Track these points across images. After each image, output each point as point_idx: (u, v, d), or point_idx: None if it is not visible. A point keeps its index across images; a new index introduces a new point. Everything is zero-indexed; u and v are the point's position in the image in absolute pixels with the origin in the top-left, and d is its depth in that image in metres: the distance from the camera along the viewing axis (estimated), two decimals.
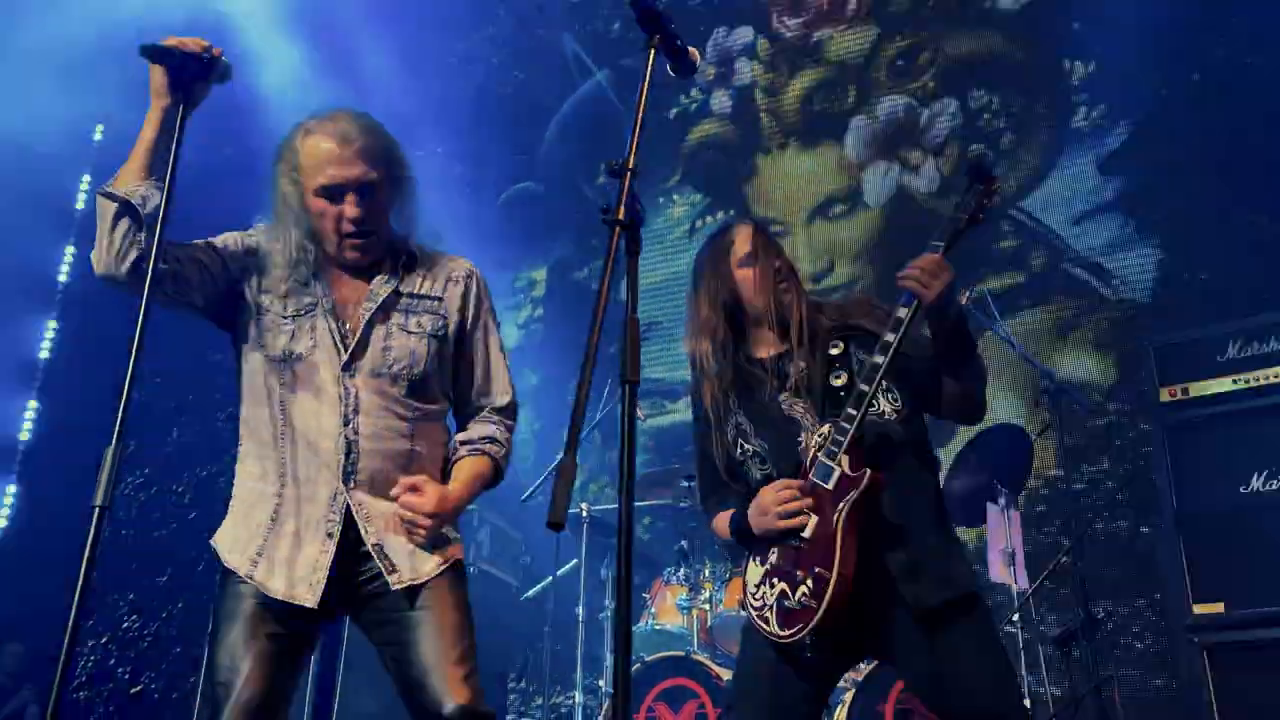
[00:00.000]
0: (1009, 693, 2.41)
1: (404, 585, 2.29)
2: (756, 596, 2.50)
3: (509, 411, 2.57)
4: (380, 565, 2.30)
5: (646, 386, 6.54)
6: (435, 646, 2.24)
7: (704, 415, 2.69)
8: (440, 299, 2.49)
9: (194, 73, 2.20)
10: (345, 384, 2.35)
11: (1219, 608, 3.58)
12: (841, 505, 2.38)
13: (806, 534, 2.41)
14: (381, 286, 2.44)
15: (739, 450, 2.60)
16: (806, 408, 2.55)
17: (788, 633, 2.39)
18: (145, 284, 2.08)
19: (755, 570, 2.54)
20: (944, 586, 2.41)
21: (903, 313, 2.43)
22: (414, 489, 2.33)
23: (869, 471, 2.39)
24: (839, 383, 2.54)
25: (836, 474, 2.40)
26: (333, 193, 2.34)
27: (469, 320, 2.52)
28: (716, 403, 2.64)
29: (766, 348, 2.64)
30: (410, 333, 2.42)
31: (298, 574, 2.27)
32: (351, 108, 2.45)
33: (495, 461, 2.49)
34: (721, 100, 7.15)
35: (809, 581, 2.37)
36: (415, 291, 2.48)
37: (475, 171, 7.34)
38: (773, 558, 2.49)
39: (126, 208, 2.21)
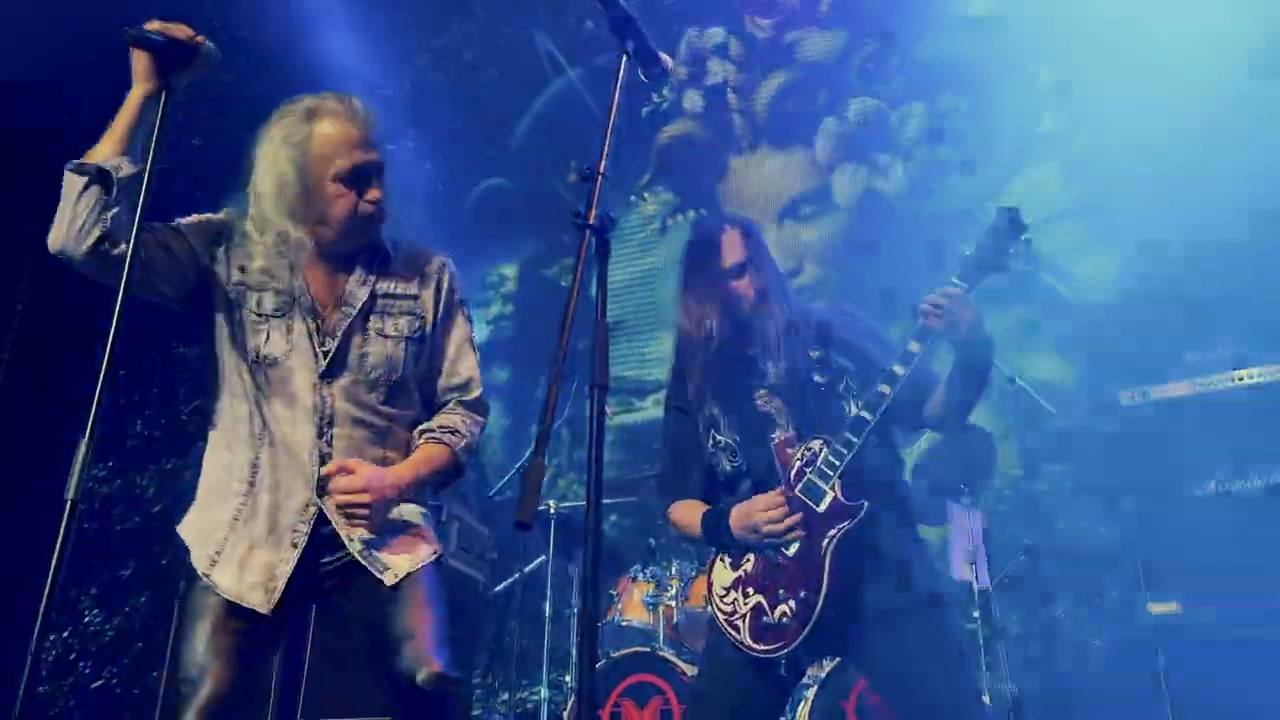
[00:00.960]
0: (964, 689, 2.46)
1: (399, 578, 2.29)
2: (726, 601, 2.51)
3: (476, 405, 2.53)
4: (371, 568, 2.29)
5: (615, 384, 6.56)
6: (413, 618, 2.25)
7: (680, 404, 2.71)
8: (416, 297, 2.47)
9: (178, 59, 2.14)
10: (321, 393, 2.32)
11: (1174, 606, 3.66)
12: (833, 533, 2.40)
13: (790, 552, 2.43)
14: (359, 288, 2.41)
15: (710, 442, 2.62)
16: (779, 407, 2.58)
17: (762, 647, 2.41)
18: (104, 265, 2.03)
19: (725, 573, 2.55)
20: (905, 588, 2.46)
21: (915, 346, 2.45)
22: (344, 470, 2.29)
23: (865, 505, 2.41)
24: (819, 379, 2.56)
25: (830, 499, 2.42)
26: (358, 178, 2.31)
27: (440, 314, 2.50)
28: (695, 394, 2.66)
29: (747, 346, 2.67)
30: (388, 338, 2.40)
31: (252, 578, 2.26)
32: (337, 91, 2.41)
33: (453, 451, 2.42)
34: (693, 100, 7.17)
35: (792, 603, 2.39)
36: (391, 291, 2.45)
37: (446, 167, 7.32)
38: (747, 566, 2.51)
39: (97, 177, 2.14)
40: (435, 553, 2.40)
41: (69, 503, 1.71)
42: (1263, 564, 3.46)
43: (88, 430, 1.75)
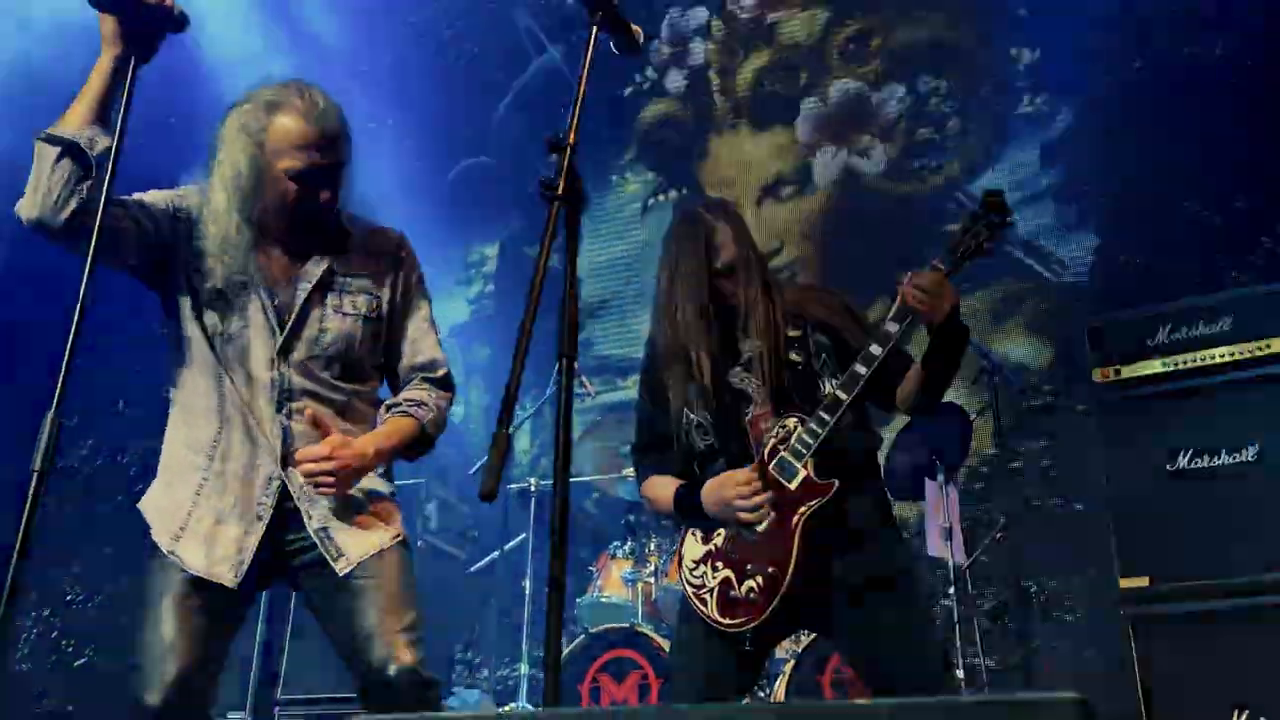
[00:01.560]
0: (931, 658, 2.48)
1: (351, 567, 2.27)
2: (695, 574, 2.53)
3: (441, 381, 2.52)
4: (324, 552, 2.27)
5: (599, 362, 6.59)
6: (379, 611, 2.23)
7: (654, 381, 2.71)
8: (374, 276, 2.45)
9: (146, 22, 2.08)
10: (279, 368, 2.32)
11: (1145, 581, 3.70)
12: (803, 510, 2.42)
13: (761, 529, 2.45)
14: (315, 266, 2.39)
15: (684, 418, 2.63)
16: (756, 385, 2.59)
17: (728, 621, 2.43)
18: (81, 236, 1.98)
19: (695, 546, 2.58)
20: (874, 564, 2.48)
21: (893, 327, 2.45)
22: (314, 423, 2.27)
23: (837, 484, 2.43)
24: (796, 358, 2.58)
25: (801, 476, 2.43)
26: (310, 177, 2.29)
27: (398, 294, 2.48)
28: (670, 372, 2.65)
29: (725, 325, 2.65)
30: (345, 314, 2.39)
31: (219, 552, 2.25)
32: (304, 81, 2.36)
33: (420, 423, 2.42)
34: (675, 80, 7.17)
35: (759, 578, 2.41)
36: (349, 269, 2.43)
37: (427, 145, 7.29)
38: (718, 540, 2.52)
39: (70, 150, 2.11)
40: (396, 537, 2.37)
41: (35, 473, 1.71)
42: (1235, 540, 3.50)
43: (54, 401, 1.75)
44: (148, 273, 2.37)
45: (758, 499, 2.43)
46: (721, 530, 2.53)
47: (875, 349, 2.46)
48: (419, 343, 2.51)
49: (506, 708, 4.77)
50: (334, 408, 2.37)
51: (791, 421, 2.49)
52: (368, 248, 2.48)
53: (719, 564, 2.50)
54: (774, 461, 2.48)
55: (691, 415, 2.63)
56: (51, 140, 2.13)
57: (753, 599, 2.41)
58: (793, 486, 2.44)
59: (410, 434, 2.41)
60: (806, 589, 2.41)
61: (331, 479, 2.24)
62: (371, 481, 2.41)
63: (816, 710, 1.11)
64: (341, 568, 2.27)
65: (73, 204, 2.12)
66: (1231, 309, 3.69)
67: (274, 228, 2.37)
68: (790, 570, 2.38)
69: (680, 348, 2.63)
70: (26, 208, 2.15)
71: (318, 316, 2.37)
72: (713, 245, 2.64)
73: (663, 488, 2.68)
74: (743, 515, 2.45)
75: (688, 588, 2.55)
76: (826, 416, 2.44)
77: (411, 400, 2.44)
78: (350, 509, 2.34)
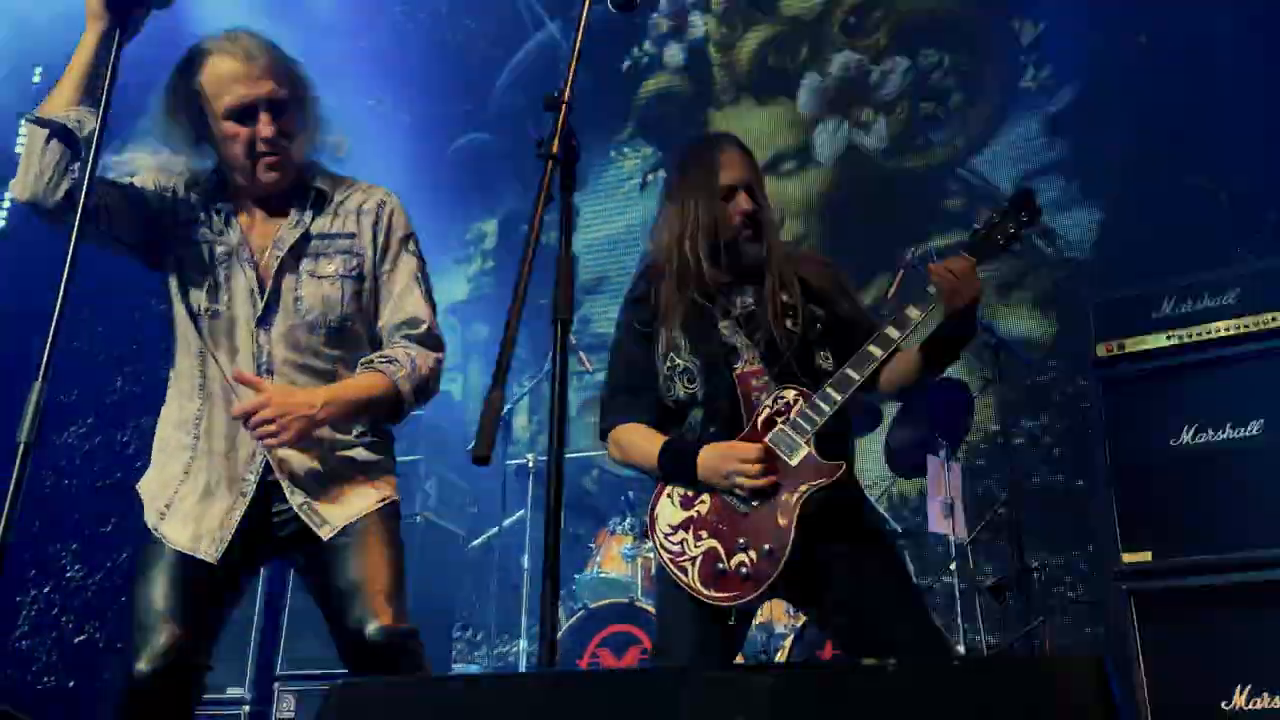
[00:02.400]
0: (924, 618, 2.41)
1: (335, 532, 2.25)
2: (673, 540, 2.43)
3: (425, 339, 2.41)
4: (309, 522, 2.25)
5: (596, 340, 6.55)
6: (358, 571, 2.21)
7: (641, 323, 2.60)
8: (353, 235, 2.40)
9: None
10: (259, 339, 2.29)
11: (1147, 556, 3.68)
12: (804, 488, 2.35)
13: (755, 504, 2.38)
14: (289, 231, 2.36)
15: (667, 363, 2.53)
16: (745, 341, 2.51)
17: (713, 594, 2.35)
18: (75, 214, 2.00)
19: (673, 510, 2.47)
20: (857, 531, 2.44)
21: (914, 313, 2.40)
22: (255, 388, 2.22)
23: (845, 467, 2.37)
24: (791, 325, 2.50)
25: (803, 453, 2.37)
26: (244, 113, 2.25)
27: (380, 251, 2.41)
28: (660, 314, 2.55)
29: (719, 273, 2.57)
30: (321, 278, 2.34)
31: (204, 528, 2.24)
32: (246, 27, 2.34)
33: (391, 380, 2.30)
34: (674, 54, 7.11)
35: (752, 553, 2.34)
36: (326, 231, 2.38)
37: (424, 121, 7.25)
38: (701, 507, 2.43)
39: (60, 133, 2.12)
40: (383, 500, 2.33)
41: (22, 445, 1.70)
42: (1238, 515, 3.48)
43: (40, 373, 1.73)
44: (144, 253, 2.37)
45: (763, 482, 2.36)
46: (705, 497, 2.43)
47: (893, 332, 2.40)
48: (402, 298, 2.41)
49: None
50: (319, 376, 2.32)
51: (791, 393, 2.43)
52: (348, 205, 2.43)
53: (702, 533, 2.41)
54: (771, 433, 2.41)
55: (678, 360, 2.52)
56: (40, 122, 2.13)
57: (745, 574, 2.34)
58: (793, 462, 2.37)
59: (378, 391, 2.30)
60: (801, 567, 2.35)
61: (273, 427, 2.15)
62: (353, 451, 2.36)
63: (839, 671, 1.09)
64: (326, 534, 2.25)
65: (65, 185, 2.13)
66: (1236, 282, 3.66)
67: (240, 180, 2.34)
68: (788, 549, 2.32)
69: (681, 275, 2.52)
70: (20, 189, 2.17)
71: (292, 283, 2.33)
72: (718, 166, 2.56)
73: (643, 439, 2.53)
74: (741, 480, 2.37)
75: (663, 553, 2.43)
76: (836, 395, 2.38)
77: (385, 357, 2.35)
78: (330, 481, 2.30)
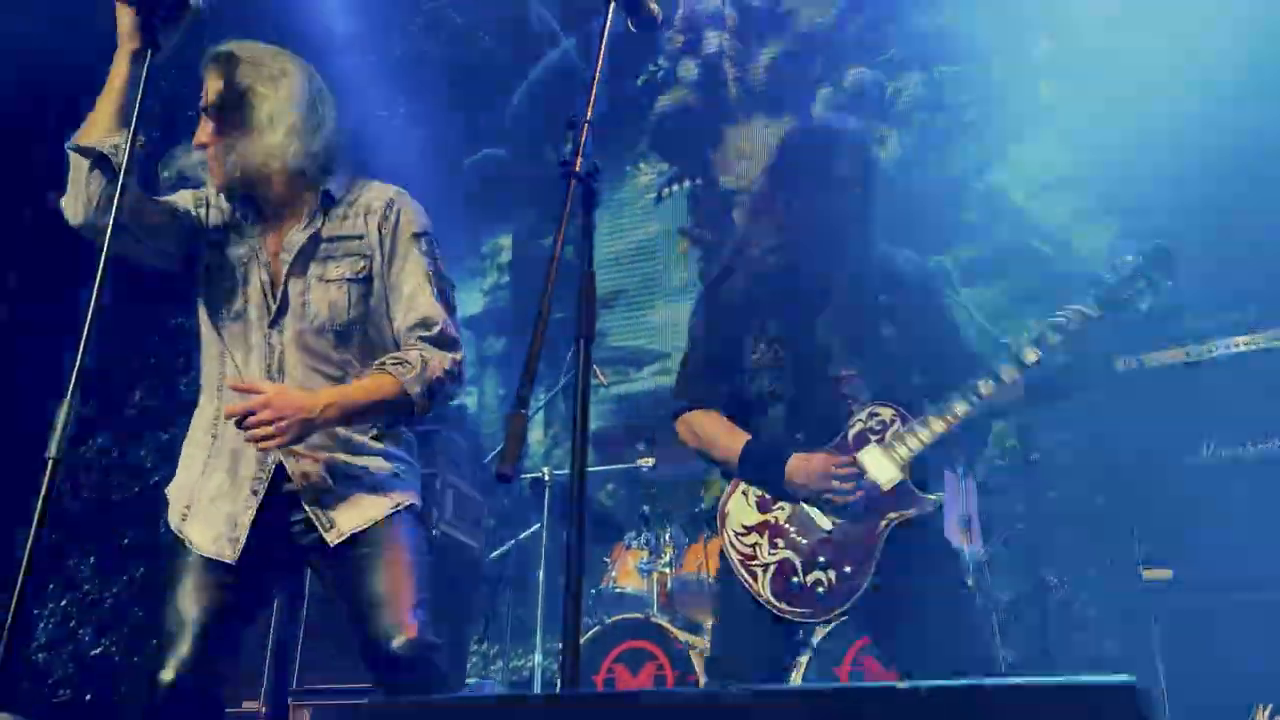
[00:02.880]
0: (973, 646, 2.35)
1: (343, 539, 2.25)
2: (745, 541, 2.35)
3: (441, 340, 2.38)
4: (317, 525, 2.26)
5: (612, 353, 6.56)
6: (382, 583, 2.21)
7: (729, 300, 2.48)
8: (361, 237, 2.40)
9: (163, 15, 2.10)
10: (270, 342, 2.33)
11: (1166, 573, 3.66)
12: (894, 516, 2.28)
13: (841, 521, 2.30)
14: (297, 235, 2.38)
15: (754, 352, 2.43)
16: (840, 343, 2.41)
17: (786, 607, 2.28)
18: (121, 234, 2.04)
19: (747, 510, 2.38)
20: (940, 573, 2.39)
21: (1032, 356, 2.35)
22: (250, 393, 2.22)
23: (941, 502, 2.32)
24: (887, 332, 2.41)
25: (898, 479, 2.29)
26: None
27: (389, 252, 2.40)
28: (748, 296, 2.44)
29: (821, 264, 2.48)
30: (328, 282, 2.35)
31: (216, 529, 2.26)
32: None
33: (399, 381, 2.27)
34: (689, 69, 7.12)
35: (831, 574, 2.27)
36: (335, 234, 2.39)
37: (440, 136, 7.27)
38: (779, 514, 2.35)
39: (100, 161, 2.16)
40: (398, 505, 2.33)
41: (50, 461, 1.71)
42: (1257, 531, 3.46)
43: (69, 389, 1.75)
44: (182, 265, 2.42)
45: (855, 497, 2.28)
46: (785, 505, 2.34)
47: (1010, 372, 2.32)
48: (413, 299, 2.39)
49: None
50: (329, 380, 2.34)
51: (888, 412, 2.35)
52: (357, 206, 2.44)
53: (779, 541, 2.33)
54: (863, 449, 2.32)
55: (766, 351, 2.42)
56: (82, 151, 2.17)
57: (820, 592, 2.27)
58: (885, 486, 2.29)
59: (385, 392, 2.28)
60: (879, 596, 2.28)
61: (270, 429, 2.15)
62: (368, 459, 2.36)
63: (870, 692, 1.09)
64: (333, 539, 2.25)
65: (112, 209, 2.16)
66: (1254, 297, 3.65)
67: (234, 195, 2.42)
68: (870, 575, 2.25)
69: (779, 255, 2.41)
70: (71, 214, 2.22)
71: (300, 287, 2.36)
72: (833, 159, 2.46)
73: (724, 433, 2.43)
74: (832, 494, 2.29)
75: (734, 552, 2.36)
76: (939, 426, 2.31)
77: (396, 359, 2.33)
78: (342, 486, 2.30)
